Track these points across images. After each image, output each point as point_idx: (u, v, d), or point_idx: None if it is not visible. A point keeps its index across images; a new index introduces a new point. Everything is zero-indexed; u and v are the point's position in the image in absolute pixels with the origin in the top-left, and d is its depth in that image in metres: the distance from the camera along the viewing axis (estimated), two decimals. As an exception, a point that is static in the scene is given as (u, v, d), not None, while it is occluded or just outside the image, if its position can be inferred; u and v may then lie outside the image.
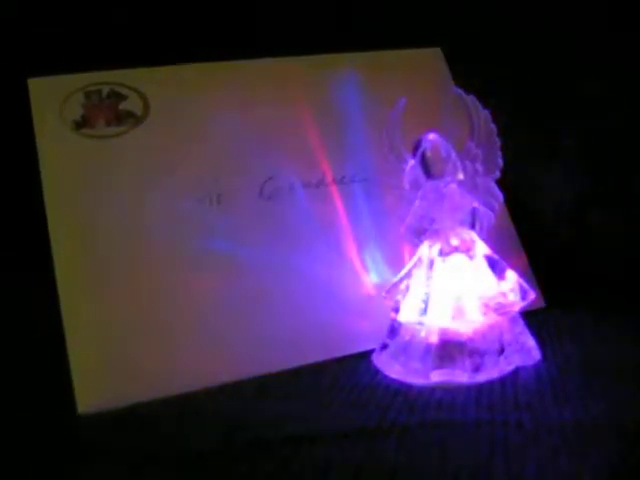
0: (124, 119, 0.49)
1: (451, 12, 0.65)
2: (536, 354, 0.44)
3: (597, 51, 0.61)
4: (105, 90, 0.50)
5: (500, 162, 0.43)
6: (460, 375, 0.41)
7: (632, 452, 0.32)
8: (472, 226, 0.44)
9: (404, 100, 0.46)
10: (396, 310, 0.44)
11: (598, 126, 0.60)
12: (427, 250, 0.44)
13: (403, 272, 0.45)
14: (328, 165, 0.52)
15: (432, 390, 0.41)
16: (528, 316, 0.45)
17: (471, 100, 0.43)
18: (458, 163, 0.44)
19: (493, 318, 0.42)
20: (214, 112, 0.51)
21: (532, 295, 0.44)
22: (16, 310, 0.59)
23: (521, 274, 0.45)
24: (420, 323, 0.43)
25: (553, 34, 0.62)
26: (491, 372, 0.41)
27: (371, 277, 0.50)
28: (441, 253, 0.43)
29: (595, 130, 0.60)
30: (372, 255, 0.50)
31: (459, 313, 0.42)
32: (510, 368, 0.42)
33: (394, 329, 0.45)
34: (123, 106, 0.49)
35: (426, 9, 0.65)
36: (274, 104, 0.53)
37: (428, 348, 0.42)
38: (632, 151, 0.59)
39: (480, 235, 0.44)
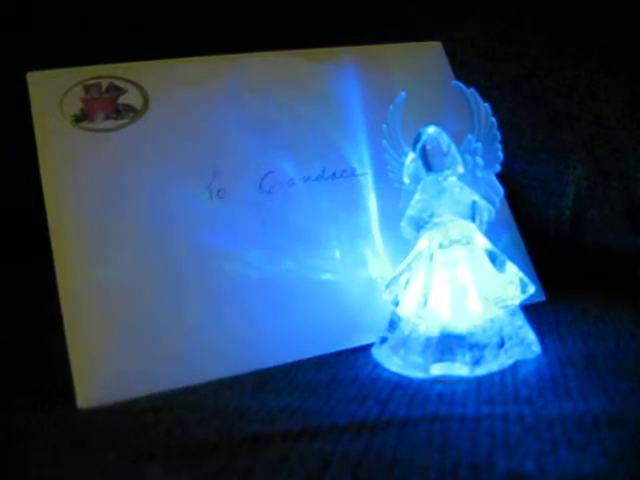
0: (123, 113, 0.49)
1: (452, 7, 0.65)
2: (536, 348, 0.44)
3: (598, 49, 0.60)
4: (104, 84, 0.49)
5: (500, 156, 0.43)
6: (460, 368, 0.41)
7: (632, 446, 0.32)
8: (472, 219, 0.44)
9: (404, 94, 0.46)
10: (396, 303, 0.44)
11: (599, 121, 0.60)
12: (427, 243, 0.44)
13: (403, 265, 0.45)
14: (328, 159, 0.52)
15: (432, 383, 0.41)
16: (528, 310, 0.45)
17: (471, 93, 0.43)
18: (458, 156, 0.44)
19: (493, 311, 0.42)
20: (213, 106, 0.51)
21: (532, 289, 0.44)
22: (16, 306, 0.59)
23: (521, 267, 0.45)
24: (420, 316, 0.43)
25: (554, 31, 0.62)
26: (491, 365, 0.41)
27: (371, 270, 0.50)
28: (441, 246, 0.43)
29: (596, 125, 0.60)
30: (372, 248, 0.50)
31: (459, 306, 0.42)
32: (510, 362, 0.42)
33: (394, 322, 0.45)
34: (122, 100, 0.49)
35: (427, 4, 0.65)
36: (274, 98, 0.53)
37: (428, 341, 0.42)
38: (632, 146, 0.59)
39: (480, 228, 0.44)
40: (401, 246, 0.47)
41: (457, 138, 0.44)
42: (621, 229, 0.59)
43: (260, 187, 0.50)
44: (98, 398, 0.41)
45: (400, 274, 0.45)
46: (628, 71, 0.59)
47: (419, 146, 0.43)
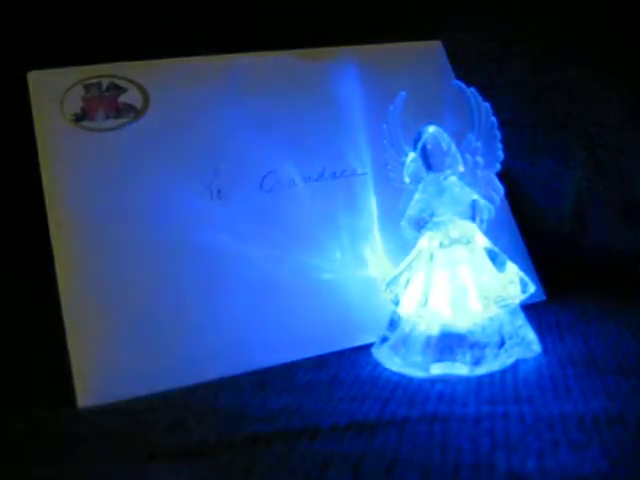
0: (124, 112, 0.49)
1: (452, 7, 0.65)
2: (536, 347, 0.44)
3: (598, 49, 0.60)
4: (105, 83, 0.49)
5: (501, 155, 0.43)
6: (460, 368, 0.41)
7: (633, 446, 0.32)
8: (472, 219, 0.43)
9: (404, 93, 0.46)
10: (396, 303, 0.44)
11: (599, 121, 0.60)
12: (427, 243, 0.44)
13: (403, 265, 0.45)
14: (328, 159, 0.52)
15: (432, 383, 0.41)
16: (528, 309, 0.45)
17: (471, 93, 0.43)
18: (458, 156, 0.44)
19: (493, 311, 0.42)
20: (213, 106, 0.51)
21: (532, 288, 0.44)
22: (16, 305, 0.59)
23: (521, 267, 0.45)
24: (420, 316, 0.43)
25: (554, 31, 0.62)
26: (491, 365, 0.41)
27: (371, 270, 0.50)
28: (441, 246, 0.43)
29: (596, 125, 0.60)
30: (372, 248, 0.50)
31: (459, 306, 0.42)
32: (510, 361, 0.42)
33: (394, 322, 0.45)
34: (123, 99, 0.49)
35: (427, 4, 0.65)
36: (274, 97, 0.53)
37: (428, 341, 0.42)
38: (633, 146, 0.59)
39: (480, 228, 0.44)
40: (401, 246, 0.47)
41: (457, 138, 0.44)
42: (621, 229, 0.59)
43: (261, 187, 0.50)
44: (98, 398, 0.41)
45: (400, 273, 0.45)
46: (628, 71, 0.59)
47: (419, 145, 0.43)
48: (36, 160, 0.46)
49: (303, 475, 0.31)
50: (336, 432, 0.35)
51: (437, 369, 0.42)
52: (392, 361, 0.43)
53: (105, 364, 0.43)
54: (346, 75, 0.55)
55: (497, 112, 0.43)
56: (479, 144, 0.43)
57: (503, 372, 0.41)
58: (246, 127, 0.51)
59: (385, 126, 0.47)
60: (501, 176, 0.43)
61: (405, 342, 0.43)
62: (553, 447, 0.32)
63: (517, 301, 0.43)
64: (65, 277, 0.44)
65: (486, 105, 0.43)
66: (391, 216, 0.49)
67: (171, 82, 0.51)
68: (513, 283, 0.43)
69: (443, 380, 0.41)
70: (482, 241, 0.44)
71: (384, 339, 0.45)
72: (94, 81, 0.49)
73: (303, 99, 0.54)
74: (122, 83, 0.50)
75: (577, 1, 0.61)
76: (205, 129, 0.50)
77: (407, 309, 0.43)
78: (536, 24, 0.62)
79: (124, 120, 0.49)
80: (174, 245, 0.47)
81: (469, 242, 0.43)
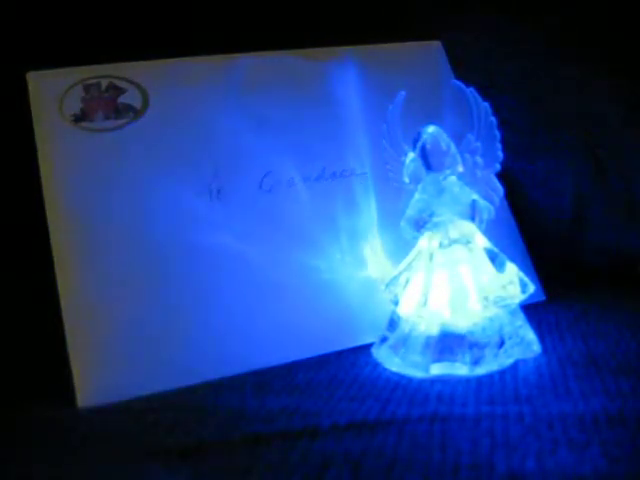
0: (123, 112, 0.49)
1: (452, 7, 0.65)
2: (536, 347, 0.44)
3: (598, 49, 0.60)
4: (104, 83, 0.49)
5: (500, 155, 0.43)
6: (460, 368, 0.41)
7: (632, 446, 0.32)
8: (472, 219, 0.43)
9: (404, 93, 0.46)
10: (396, 303, 0.44)
11: (599, 121, 0.60)
12: (427, 243, 0.44)
13: (403, 265, 0.45)
14: (328, 159, 0.52)
15: (432, 383, 0.41)
16: (528, 309, 0.45)
17: (471, 93, 0.43)
18: (458, 156, 0.44)
19: (493, 311, 0.42)
20: (213, 106, 0.51)
21: (532, 288, 0.44)
22: (16, 305, 0.59)
23: (521, 267, 0.45)
24: (420, 316, 0.43)
25: (554, 31, 0.62)
26: (491, 365, 0.41)
27: (371, 270, 0.50)
28: (441, 246, 0.43)
29: (596, 125, 0.60)
30: (372, 248, 0.50)
31: (459, 306, 0.42)
32: (510, 361, 0.42)
33: (394, 322, 0.45)
34: (122, 99, 0.49)
35: (427, 4, 0.65)
36: (274, 97, 0.53)
37: (428, 341, 0.42)
38: (633, 146, 0.59)
39: (480, 228, 0.44)
40: (401, 246, 0.47)
41: (457, 138, 0.44)
42: (621, 229, 0.59)
43: (260, 187, 0.50)
44: (98, 398, 0.41)
45: (400, 273, 0.45)
46: (628, 71, 0.59)
47: (419, 145, 0.43)
48: (35, 160, 0.46)
49: (303, 475, 0.31)
50: (336, 432, 0.35)
51: (437, 369, 0.42)
52: (392, 361, 0.43)
53: (105, 364, 0.43)
54: (346, 75, 0.55)
55: (497, 112, 0.43)
56: (479, 144, 0.43)
57: (503, 372, 0.41)
58: (246, 127, 0.51)
59: (384, 126, 0.47)
60: (501, 176, 0.43)
61: (405, 342, 0.43)
62: (553, 447, 0.32)
63: (517, 301, 0.43)
64: (65, 277, 0.44)
65: (485, 105, 0.43)
66: (391, 216, 0.49)
67: (171, 82, 0.51)
68: (513, 283, 0.43)
69: (443, 380, 0.41)
70: (482, 241, 0.44)
71: (384, 339, 0.45)
72: (93, 81, 0.49)
73: (303, 99, 0.54)
74: (121, 83, 0.50)
75: (577, 1, 0.61)
76: (205, 129, 0.50)
77: (407, 309, 0.43)
78: (536, 24, 0.62)
79: (123, 120, 0.49)
80: (174, 245, 0.47)
81: (469, 242, 0.43)
